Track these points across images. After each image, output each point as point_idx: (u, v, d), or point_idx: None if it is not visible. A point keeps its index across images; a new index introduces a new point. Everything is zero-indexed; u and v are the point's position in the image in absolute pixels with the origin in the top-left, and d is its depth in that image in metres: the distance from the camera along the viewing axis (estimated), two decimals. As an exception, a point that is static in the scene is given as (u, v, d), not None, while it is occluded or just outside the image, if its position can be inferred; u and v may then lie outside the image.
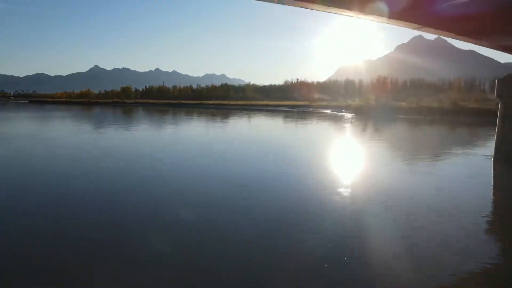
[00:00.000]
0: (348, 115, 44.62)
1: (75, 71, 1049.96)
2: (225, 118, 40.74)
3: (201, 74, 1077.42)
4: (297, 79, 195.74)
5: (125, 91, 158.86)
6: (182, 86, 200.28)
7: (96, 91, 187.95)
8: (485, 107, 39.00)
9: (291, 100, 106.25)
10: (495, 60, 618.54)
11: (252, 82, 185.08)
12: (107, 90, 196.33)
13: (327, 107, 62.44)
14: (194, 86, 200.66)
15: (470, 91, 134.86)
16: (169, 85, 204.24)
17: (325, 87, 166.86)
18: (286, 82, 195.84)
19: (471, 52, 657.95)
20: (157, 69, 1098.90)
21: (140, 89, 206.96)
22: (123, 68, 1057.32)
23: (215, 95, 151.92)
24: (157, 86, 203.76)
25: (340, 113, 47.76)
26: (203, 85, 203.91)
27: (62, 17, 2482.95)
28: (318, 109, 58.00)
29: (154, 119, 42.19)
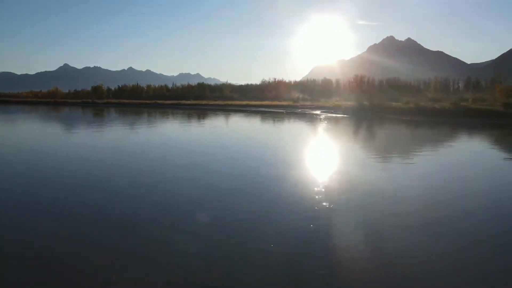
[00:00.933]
0: (345, 118, 40.86)
1: (43, 70, 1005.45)
2: (213, 122, 35.67)
3: (175, 74, 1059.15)
4: (275, 78, 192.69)
5: (97, 91, 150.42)
6: (157, 86, 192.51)
7: (65, 91, 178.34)
8: (487, 107, 36.27)
9: (271, 100, 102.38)
10: (461, 61, 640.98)
11: (226, 82, 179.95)
12: (78, 90, 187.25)
13: (313, 108, 58.77)
14: (169, 86, 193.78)
15: (446, 90, 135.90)
16: (143, 84, 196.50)
17: (303, 86, 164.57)
18: (264, 82, 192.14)
19: (439, 52, 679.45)
20: (130, 68, 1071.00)
21: (113, 89, 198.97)
22: (94, 66, 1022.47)
23: (191, 94, 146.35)
24: (131, 85, 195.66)
25: (334, 115, 43.97)
26: (178, 84, 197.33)
27: (30, 14, 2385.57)
28: (307, 110, 54.06)
29: (135, 122, 37.07)
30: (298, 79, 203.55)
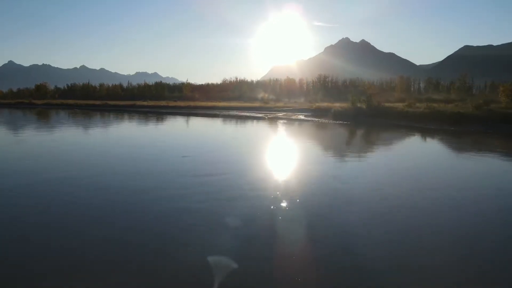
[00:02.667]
0: (348, 125, 32.40)
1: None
2: (194, 140, 24.82)
3: (132, 73, 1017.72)
4: (236, 78, 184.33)
5: (40, 90, 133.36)
6: (110, 85, 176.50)
7: (10, 90, 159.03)
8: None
9: (235, 100, 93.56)
10: (411, 62, 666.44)
11: (186, 81, 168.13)
12: (20, 88, 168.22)
13: (292, 110, 50.64)
14: (125, 85, 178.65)
15: (407, 90, 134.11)
16: (97, 83, 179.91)
17: (266, 86, 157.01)
18: (225, 81, 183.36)
19: (391, 54, 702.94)
20: (82, 66, 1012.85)
21: (62, 88, 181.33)
22: (43, 64, 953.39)
23: (148, 94, 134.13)
24: (81, 84, 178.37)
25: (330, 121, 35.30)
26: (134, 84, 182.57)
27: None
28: (285, 113, 45.38)
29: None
30: (257, 78, 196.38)
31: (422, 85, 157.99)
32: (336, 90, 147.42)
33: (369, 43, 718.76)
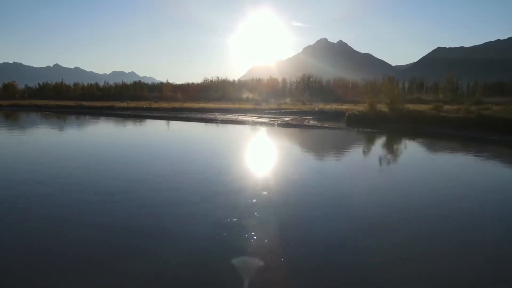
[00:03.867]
0: (379, 135, 26.51)
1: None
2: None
3: (108, 72, 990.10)
4: (218, 77, 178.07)
5: (8, 89, 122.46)
6: (86, 84, 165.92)
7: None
8: None
9: (221, 101, 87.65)
10: (387, 63, 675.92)
11: (165, 80, 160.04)
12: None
13: (290, 113, 45.04)
14: (101, 84, 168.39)
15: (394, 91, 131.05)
16: (71, 82, 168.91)
17: (248, 86, 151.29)
18: (206, 80, 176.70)
19: (367, 55, 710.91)
20: (56, 65, 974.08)
21: (33, 87, 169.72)
22: (14, 62, 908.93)
23: (127, 95, 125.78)
24: (54, 83, 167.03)
25: (357, 130, 29.17)
26: (111, 83, 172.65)
27: None
28: (295, 117, 39.45)
29: None
30: (236, 78, 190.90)
31: (405, 85, 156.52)
32: (319, 90, 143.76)
33: (346, 44, 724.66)
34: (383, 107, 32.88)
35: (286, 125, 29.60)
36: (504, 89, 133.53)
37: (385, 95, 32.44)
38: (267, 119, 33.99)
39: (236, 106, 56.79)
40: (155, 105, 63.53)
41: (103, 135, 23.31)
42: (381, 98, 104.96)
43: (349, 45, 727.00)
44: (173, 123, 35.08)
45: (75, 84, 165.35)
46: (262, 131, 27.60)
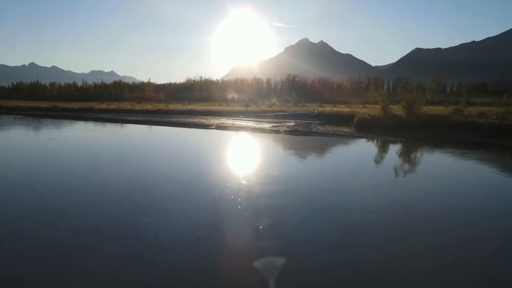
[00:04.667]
0: (405, 144, 22.61)
1: None
2: None
3: (86, 71, 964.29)
4: (201, 77, 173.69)
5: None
6: (63, 84, 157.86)
7: None
8: None
9: (208, 102, 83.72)
10: (367, 63, 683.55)
11: (145, 80, 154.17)
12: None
13: (287, 115, 41.40)
14: (79, 84, 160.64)
15: (378, 91, 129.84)
16: (48, 82, 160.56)
17: (232, 86, 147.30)
18: (189, 80, 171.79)
19: (348, 55, 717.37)
20: (32, 64, 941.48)
21: (7, 86, 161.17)
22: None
23: (107, 95, 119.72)
24: (28, 83, 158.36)
25: (382, 139, 25.10)
26: (90, 82, 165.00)
27: None
28: (297, 122, 35.45)
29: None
30: (218, 78, 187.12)
31: (390, 85, 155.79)
32: (304, 90, 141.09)
33: (327, 44, 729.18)
34: (374, 111, 29.67)
35: (294, 131, 25.65)
36: (488, 89, 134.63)
37: (402, 98, 29.05)
38: (269, 125, 30.03)
39: (226, 108, 52.72)
40: (137, 106, 58.72)
41: (76, 159, 18.05)
42: (369, 99, 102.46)
43: (330, 45, 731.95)
44: (164, 130, 30.70)
45: (52, 84, 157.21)
46: (271, 140, 23.55)
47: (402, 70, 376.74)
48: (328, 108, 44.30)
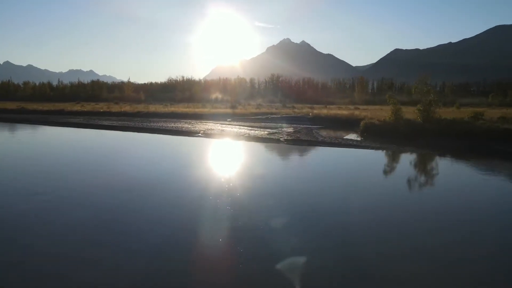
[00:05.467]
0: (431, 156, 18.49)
1: None
2: None
3: (64, 70, 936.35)
4: (183, 77, 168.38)
5: None
6: (37, 83, 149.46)
7: None
8: None
9: (190, 103, 79.35)
10: (348, 63, 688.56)
11: (128, 80, 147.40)
12: None
13: (282, 119, 37.36)
14: (55, 83, 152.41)
15: (363, 91, 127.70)
16: (22, 81, 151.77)
17: (214, 86, 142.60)
18: (170, 80, 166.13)
19: (329, 55, 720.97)
20: (7, 63, 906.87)
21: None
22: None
23: (84, 95, 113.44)
24: (0, 82, 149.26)
25: (397, 149, 20.15)
26: (67, 82, 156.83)
27: None
28: (297, 128, 31.14)
29: None
30: (200, 78, 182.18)
31: (375, 85, 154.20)
32: (289, 90, 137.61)
33: (309, 44, 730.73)
34: (375, 113, 26.26)
35: (296, 141, 21.43)
36: (470, 90, 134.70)
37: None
38: (265, 131, 25.75)
39: (212, 110, 48.33)
40: (115, 108, 53.55)
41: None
42: (356, 99, 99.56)
43: (311, 45, 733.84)
44: (141, 137, 26.05)
45: (25, 83, 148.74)
46: (275, 154, 19.11)
47: (383, 70, 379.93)
48: (324, 111, 40.53)
